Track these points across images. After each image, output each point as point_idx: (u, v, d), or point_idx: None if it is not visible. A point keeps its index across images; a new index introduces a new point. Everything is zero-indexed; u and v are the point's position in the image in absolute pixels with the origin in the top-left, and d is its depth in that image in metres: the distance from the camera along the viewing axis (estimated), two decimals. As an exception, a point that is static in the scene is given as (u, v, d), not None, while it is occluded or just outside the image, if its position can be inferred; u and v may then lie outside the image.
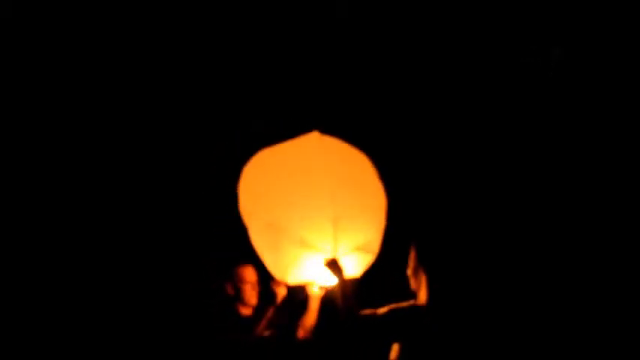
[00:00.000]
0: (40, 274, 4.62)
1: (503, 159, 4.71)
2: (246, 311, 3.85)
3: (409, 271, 3.45)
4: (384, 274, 3.79)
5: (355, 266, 3.61)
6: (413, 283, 3.43)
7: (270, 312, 3.81)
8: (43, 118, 4.69)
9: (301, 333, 3.79)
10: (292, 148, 3.69)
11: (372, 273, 3.65)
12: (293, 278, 3.64)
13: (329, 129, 3.71)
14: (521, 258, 4.54)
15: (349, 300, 3.44)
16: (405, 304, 3.40)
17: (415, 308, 3.36)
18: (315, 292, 3.72)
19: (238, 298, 3.82)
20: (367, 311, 3.39)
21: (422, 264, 3.38)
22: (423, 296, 3.36)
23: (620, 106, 4.56)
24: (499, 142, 4.71)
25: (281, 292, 3.82)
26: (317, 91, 4.68)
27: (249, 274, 3.84)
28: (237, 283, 3.82)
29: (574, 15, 4.54)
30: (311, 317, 3.77)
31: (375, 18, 4.69)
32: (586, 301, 4.46)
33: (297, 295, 3.80)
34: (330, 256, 3.49)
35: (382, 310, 3.36)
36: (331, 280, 3.60)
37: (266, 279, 3.81)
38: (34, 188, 4.67)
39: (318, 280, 3.65)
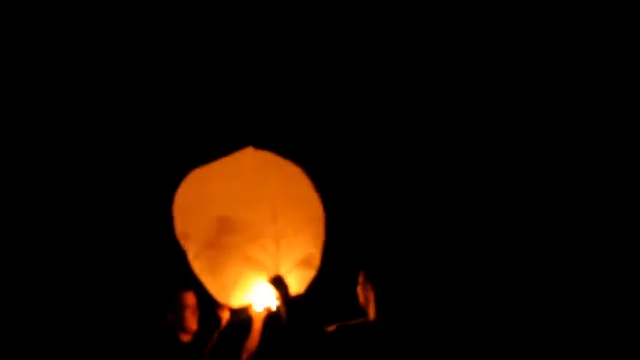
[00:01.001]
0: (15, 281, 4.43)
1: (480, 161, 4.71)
2: (186, 338, 3.70)
3: (358, 288, 3.40)
4: (331, 290, 3.72)
5: (298, 282, 3.51)
6: (361, 300, 3.37)
7: (214, 337, 3.66)
8: (42, 117, 4.56)
9: (245, 356, 3.66)
10: (226, 165, 3.57)
11: (319, 290, 3.58)
12: (236, 300, 3.52)
13: (260, 144, 3.64)
14: (473, 270, 4.54)
15: (296, 317, 3.36)
16: (353, 321, 3.32)
17: (364, 325, 3.29)
18: (258, 313, 3.63)
19: (178, 324, 3.66)
20: (316, 329, 3.31)
21: (370, 280, 3.33)
22: (372, 312, 3.31)
23: (619, 105, 4.57)
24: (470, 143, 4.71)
25: (225, 316, 3.69)
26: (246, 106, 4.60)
27: (189, 298, 3.70)
28: (177, 309, 3.67)
29: (574, 15, 4.56)
30: (254, 339, 3.67)
31: (375, 18, 4.65)
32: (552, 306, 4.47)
33: (239, 317, 3.69)
34: (273, 274, 3.41)
35: (331, 328, 3.28)
36: (274, 300, 3.52)
37: (205, 303, 3.67)
38: (32, 188, 4.54)
39: (261, 301, 3.56)
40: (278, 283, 3.39)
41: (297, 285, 3.50)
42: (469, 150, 4.73)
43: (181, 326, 3.68)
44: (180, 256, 3.50)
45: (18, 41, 4.48)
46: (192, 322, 3.70)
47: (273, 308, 3.56)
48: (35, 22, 4.48)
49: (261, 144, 3.62)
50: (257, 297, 3.53)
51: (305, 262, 3.53)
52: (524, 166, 4.68)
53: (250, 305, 3.59)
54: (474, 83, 4.74)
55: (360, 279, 3.38)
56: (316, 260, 3.59)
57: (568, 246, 4.50)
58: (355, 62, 4.69)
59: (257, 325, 3.65)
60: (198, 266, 3.47)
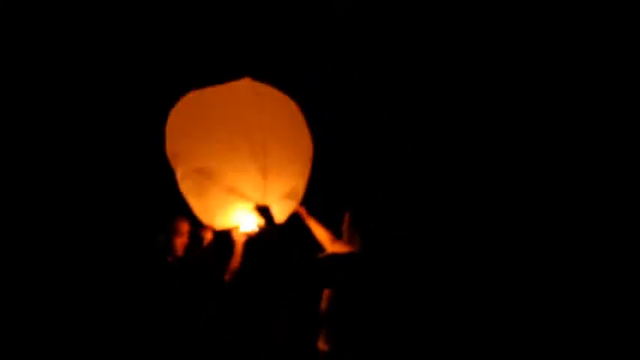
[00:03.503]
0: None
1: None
2: (170, 259, 3.81)
3: (344, 226, 3.56)
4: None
5: (281, 212, 3.63)
6: (347, 236, 3.55)
7: (196, 256, 3.80)
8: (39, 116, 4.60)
9: (228, 276, 3.81)
10: (223, 93, 3.59)
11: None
12: (219, 222, 3.63)
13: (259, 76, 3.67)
14: (454, 215, 4.60)
15: (278, 245, 3.50)
16: (342, 250, 3.52)
17: (350, 257, 3.48)
18: (239, 236, 3.76)
19: (167, 246, 3.78)
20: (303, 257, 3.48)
21: (358, 218, 3.51)
22: (356, 247, 3.50)
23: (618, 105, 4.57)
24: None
25: (207, 237, 3.80)
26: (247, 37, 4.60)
27: (182, 225, 3.79)
28: (169, 232, 3.78)
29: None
30: (236, 261, 3.80)
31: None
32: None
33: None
34: (260, 203, 3.50)
35: (322, 255, 3.50)
36: (255, 226, 3.63)
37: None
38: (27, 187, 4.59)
39: (243, 225, 3.65)
40: (263, 212, 3.50)
41: (279, 214, 3.61)
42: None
43: (169, 249, 3.79)
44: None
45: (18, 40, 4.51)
46: (179, 247, 3.80)
47: (253, 233, 3.67)
48: (35, 20, 4.50)
49: (259, 76, 3.65)
50: (240, 221, 3.63)
51: (289, 195, 3.63)
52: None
53: (233, 228, 3.71)
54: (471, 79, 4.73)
55: (347, 219, 3.56)
56: (300, 193, 3.69)
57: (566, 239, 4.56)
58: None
59: (238, 248, 3.78)
60: (184, 186, 3.56)
